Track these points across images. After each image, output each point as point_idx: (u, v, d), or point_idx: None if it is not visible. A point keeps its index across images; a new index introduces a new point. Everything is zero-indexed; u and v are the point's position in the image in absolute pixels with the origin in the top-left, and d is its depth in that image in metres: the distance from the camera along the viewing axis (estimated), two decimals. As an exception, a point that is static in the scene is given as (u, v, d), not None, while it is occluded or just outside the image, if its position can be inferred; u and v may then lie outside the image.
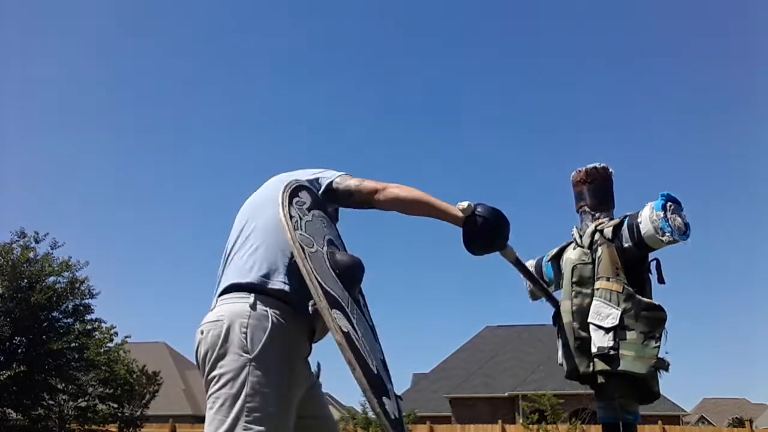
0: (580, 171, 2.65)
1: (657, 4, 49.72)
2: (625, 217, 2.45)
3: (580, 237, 2.56)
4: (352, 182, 1.94)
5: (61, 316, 10.08)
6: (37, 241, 9.90)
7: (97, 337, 10.58)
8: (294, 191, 1.80)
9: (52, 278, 9.78)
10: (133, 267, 49.71)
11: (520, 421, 15.12)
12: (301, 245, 1.58)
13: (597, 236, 2.46)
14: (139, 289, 50.52)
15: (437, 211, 1.90)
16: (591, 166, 2.63)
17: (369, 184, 1.92)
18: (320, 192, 1.95)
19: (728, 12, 47.16)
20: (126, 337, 11.37)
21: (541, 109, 47.39)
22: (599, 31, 49.78)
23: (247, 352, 1.58)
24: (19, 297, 9.19)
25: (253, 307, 1.64)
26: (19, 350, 9.53)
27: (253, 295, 1.66)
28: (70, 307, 10.09)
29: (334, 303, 1.52)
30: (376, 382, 1.51)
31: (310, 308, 1.70)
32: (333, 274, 1.64)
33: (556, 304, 2.34)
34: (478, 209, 1.89)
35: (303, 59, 54.44)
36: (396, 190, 1.89)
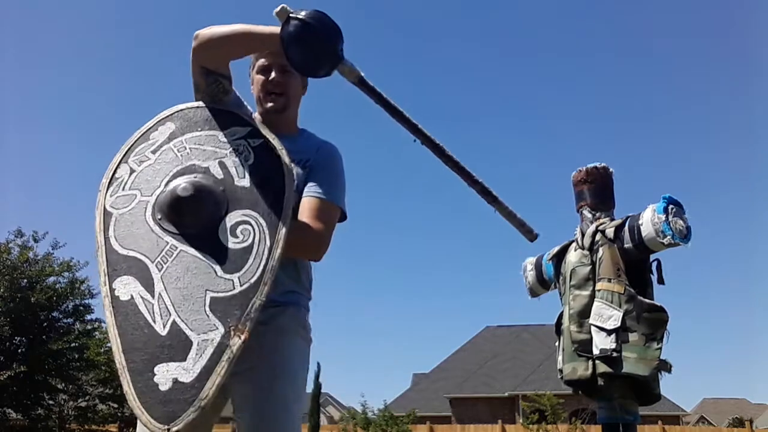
0: (580, 170, 2.65)
1: (658, 4, 49.77)
2: (627, 218, 2.45)
3: (582, 237, 2.56)
4: None
5: (61, 316, 10.08)
6: (36, 240, 9.92)
7: (97, 337, 10.59)
8: (144, 136, 1.69)
9: (52, 278, 9.79)
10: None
11: (520, 421, 15.13)
12: (107, 213, 1.55)
13: (598, 236, 2.46)
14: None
15: (244, 34, 1.60)
16: (591, 165, 2.63)
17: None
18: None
19: (728, 12, 47.20)
20: (126, 337, 11.38)
21: (541, 109, 47.42)
22: (601, 30, 49.81)
23: None
24: (19, 297, 9.19)
25: None
26: (19, 350, 9.53)
27: None
28: (70, 307, 10.10)
29: (127, 268, 1.45)
30: (153, 349, 1.35)
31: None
32: (150, 222, 1.52)
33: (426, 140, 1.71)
34: (298, 13, 1.50)
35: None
36: (197, 33, 1.63)
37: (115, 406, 11.18)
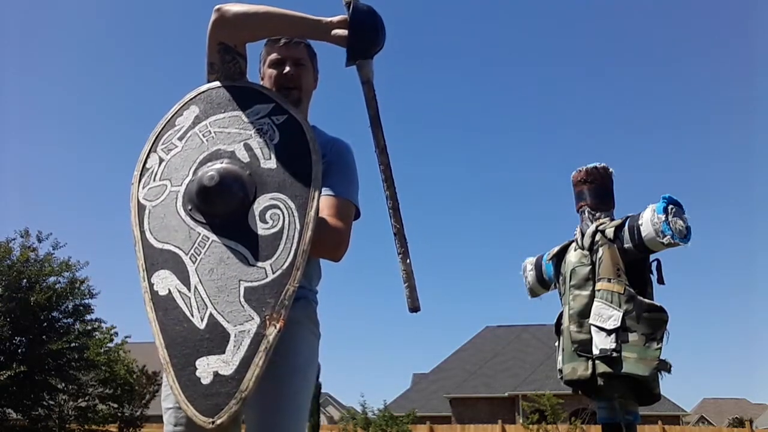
0: (580, 171, 2.65)
1: (659, 5, 49.76)
2: (627, 218, 2.45)
3: (582, 237, 2.56)
4: None
5: (61, 316, 10.06)
6: (40, 240, 9.93)
7: (97, 337, 10.59)
8: (169, 122, 1.64)
9: (52, 278, 9.78)
10: (133, 267, 49.62)
11: (520, 421, 15.13)
12: (141, 206, 1.51)
13: (598, 236, 2.46)
14: (139, 289, 50.39)
15: (284, 16, 1.56)
16: (591, 165, 2.63)
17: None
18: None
19: (729, 13, 47.20)
20: (126, 337, 11.37)
21: (541, 109, 47.42)
22: (602, 31, 49.82)
23: None
24: (19, 297, 9.19)
25: None
26: (19, 350, 9.52)
27: None
28: (70, 307, 10.08)
29: (163, 262, 1.44)
30: (193, 343, 1.35)
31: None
32: (182, 213, 1.49)
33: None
34: (360, 11, 1.52)
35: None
36: (220, 7, 1.57)
37: (115, 406, 11.19)
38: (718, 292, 52.36)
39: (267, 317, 1.35)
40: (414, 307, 1.57)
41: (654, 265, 2.42)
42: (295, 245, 1.44)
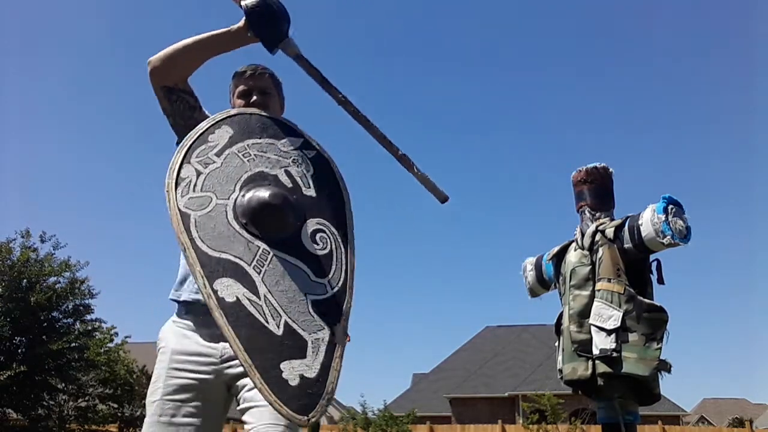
0: (580, 171, 2.65)
1: (659, 5, 49.73)
2: (627, 218, 2.45)
3: (582, 237, 2.56)
4: None
5: (61, 316, 10.07)
6: (43, 241, 9.93)
7: (97, 337, 10.59)
8: (200, 138, 1.69)
9: (52, 278, 9.78)
10: (133, 267, 49.71)
11: (520, 421, 15.12)
12: (184, 214, 1.54)
13: (598, 236, 2.46)
14: (139, 289, 50.47)
15: (199, 41, 1.70)
16: (591, 165, 2.63)
17: None
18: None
19: (729, 12, 47.17)
20: (126, 337, 11.38)
21: (541, 109, 47.40)
22: (602, 31, 49.80)
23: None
24: (19, 297, 9.19)
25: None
26: (19, 350, 9.53)
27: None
28: (70, 307, 10.09)
29: (223, 271, 1.50)
30: (275, 347, 1.45)
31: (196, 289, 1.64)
32: (236, 226, 1.58)
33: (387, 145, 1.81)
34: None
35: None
36: (149, 60, 1.74)
37: (115, 406, 11.19)
38: (718, 292, 52.35)
39: (335, 328, 1.53)
40: (443, 198, 1.74)
41: (654, 265, 2.42)
42: (344, 267, 1.64)
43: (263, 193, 1.61)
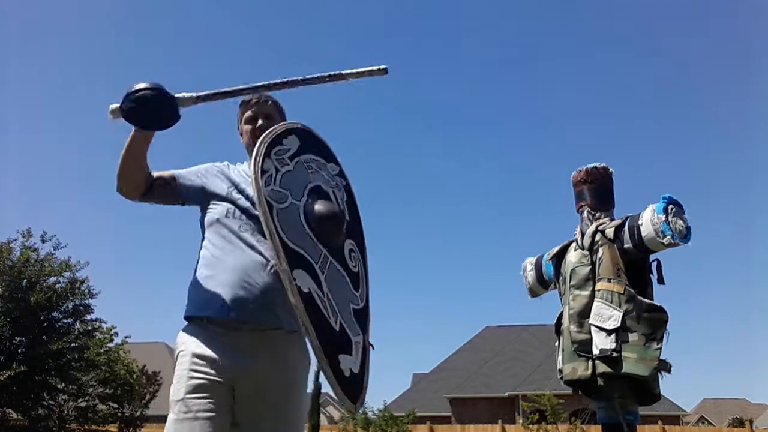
0: (580, 171, 2.65)
1: (659, 5, 49.72)
2: (627, 218, 2.45)
3: (582, 237, 2.56)
4: None
5: (61, 316, 10.05)
6: (44, 241, 9.92)
7: (97, 337, 10.58)
8: (277, 138, 1.80)
9: (52, 278, 9.77)
10: (133, 267, 49.70)
11: (520, 421, 15.12)
12: (268, 203, 1.64)
13: (598, 236, 2.46)
14: (139, 289, 50.48)
15: (125, 149, 1.73)
16: (591, 165, 2.63)
17: None
18: None
19: (729, 12, 47.17)
20: (126, 337, 11.36)
21: (541, 109, 47.38)
22: (601, 29, 49.77)
23: None
24: (19, 297, 9.18)
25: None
26: (19, 350, 9.51)
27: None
28: (70, 307, 10.07)
29: (299, 263, 1.61)
30: (335, 340, 1.62)
31: (270, 269, 1.72)
32: (306, 227, 1.71)
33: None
34: (128, 96, 1.59)
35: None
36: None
37: (115, 406, 11.19)
38: (718, 292, 52.35)
39: (366, 337, 1.78)
40: (383, 71, 1.72)
41: (654, 265, 2.42)
42: (366, 287, 1.88)
43: (331, 206, 1.79)
